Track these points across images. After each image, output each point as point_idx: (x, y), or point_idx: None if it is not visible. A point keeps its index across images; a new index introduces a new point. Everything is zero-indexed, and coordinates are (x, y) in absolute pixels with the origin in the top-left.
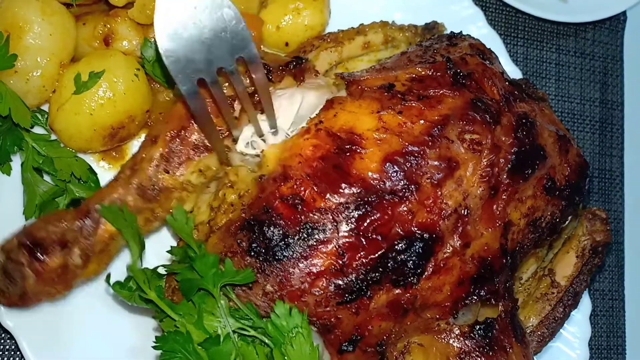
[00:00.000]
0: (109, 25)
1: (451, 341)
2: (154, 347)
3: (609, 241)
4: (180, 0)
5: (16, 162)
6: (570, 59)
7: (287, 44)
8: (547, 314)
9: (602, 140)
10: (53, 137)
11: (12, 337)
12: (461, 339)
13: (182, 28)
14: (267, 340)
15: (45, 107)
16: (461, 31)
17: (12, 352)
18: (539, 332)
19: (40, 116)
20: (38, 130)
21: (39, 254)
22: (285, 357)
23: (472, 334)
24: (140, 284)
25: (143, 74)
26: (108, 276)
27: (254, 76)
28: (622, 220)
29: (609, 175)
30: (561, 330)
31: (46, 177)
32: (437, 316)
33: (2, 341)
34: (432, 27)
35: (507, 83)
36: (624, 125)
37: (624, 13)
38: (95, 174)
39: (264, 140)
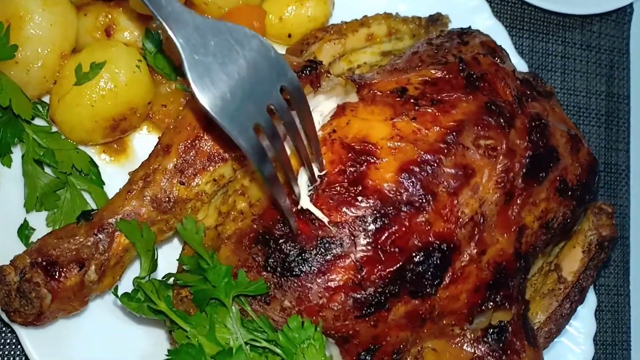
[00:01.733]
0: (110, 16)
1: (465, 346)
2: None
3: (615, 235)
4: (202, 43)
5: (17, 154)
6: (576, 52)
7: (290, 36)
8: (555, 310)
9: (608, 133)
10: (54, 128)
11: (13, 331)
12: (474, 343)
13: (218, 69)
14: (279, 351)
15: (46, 99)
16: (470, 26)
17: (13, 346)
18: (547, 329)
19: (41, 107)
20: (39, 121)
21: (55, 274)
22: None
23: (485, 339)
24: (149, 295)
25: (145, 65)
26: (116, 288)
27: (298, 106)
28: (627, 214)
29: (615, 169)
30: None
31: (47, 169)
32: (453, 322)
33: (4, 335)
34: (436, 19)
35: (518, 82)
36: (630, 119)
37: (630, 5)
38: (96, 166)
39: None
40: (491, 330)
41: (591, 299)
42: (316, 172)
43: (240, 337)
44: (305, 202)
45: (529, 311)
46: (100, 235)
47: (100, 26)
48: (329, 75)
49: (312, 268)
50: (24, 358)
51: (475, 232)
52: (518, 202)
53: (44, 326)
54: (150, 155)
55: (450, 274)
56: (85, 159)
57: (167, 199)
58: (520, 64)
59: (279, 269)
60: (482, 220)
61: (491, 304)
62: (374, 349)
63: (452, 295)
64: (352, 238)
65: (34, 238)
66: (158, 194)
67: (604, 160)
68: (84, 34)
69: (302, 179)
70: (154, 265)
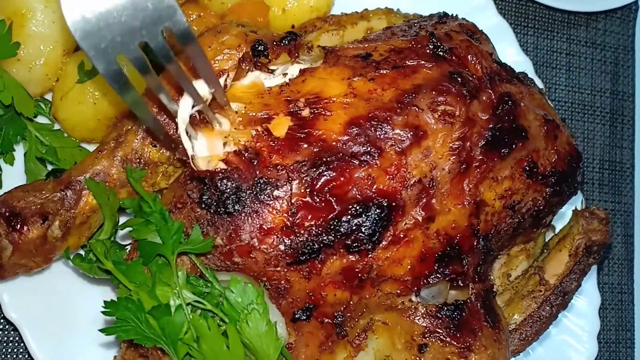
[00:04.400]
0: None
1: (417, 320)
2: (104, 313)
3: (606, 242)
4: None
5: (19, 151)
6: (581, 49)
7: (293, 27)
8: (532, 312)
9: (613, 131)
10: (56, 126)
11: (16, 329)
12: (427, 317)
13: None
14: (222, 316)
15: (48, 96)
16: (457, 14)
17: (16, 344)
18: (522, 330)
19: (43, 105)
20: (41, 119)
21: (17, 225)
22: (241, 335)
23: (438, 314)
24: (97, 254)
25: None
26: (67, 250)
27: (187, 49)
28: (632, 212)
29: (620, 167)
30: (569, 323)
31: (49, 167)
32: (398, 291)
33: (7, 332)
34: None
35: (495, 65)
36: (635, 117)
37: (635, 2)
38: None
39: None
40: (445, 307)
41: (595, 296)
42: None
43: (182, 296)
44: (181, 126)
45: (505, 311)
46: (67, 192)
47: None
48: (310, 50)
49: (246, 207)
50: (27, 355)
51: (423, 196)
52: (475, 173)
53: (44, 319)
54: (125, 117)
55: (391, 233)
56: None
57: (137, 160)
58: (524, 62)
59: (213, 206)
60: (431, 185)
61: (439, 276)
62: (310, 307)
63: (393, 258)
64: (290, 181)
65: None
66: (129, 154)
67: (608, 158)
68: None
69: (186, 102)
70: (114, 231)
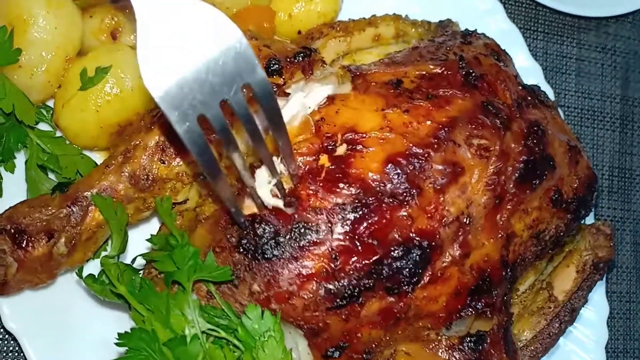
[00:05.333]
0: (116, 19)
1: (440, 352)
2: (117, 344)
3: (611, 258)
4: (165, 20)
5: (20, 159)
6: (591, 54)
7: (299, 32)
8: (542, 329)
9: (623, 138)
10: (58, 133)
11: (15, 339)
12: (449, 350)
13: (171, 56)
14: (237, 343)
15: (50, 103)
16: (476, 29)
17: (17, 354)
18: (532, 347)
19: (45, 112)
20: (43, 126)
21: (23, 242)
22: None
23: (461, 346)
24: (111, 277)
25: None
26: (80, 269)
27: (265, 108)
28: None
29: (629, 174)
30: (577, 333)
31: (51, 175)
32: (429, 326)
33: (6, 343)
34: (445, 25)
35: (520, 87)
36: None
37: None
38: None
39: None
40: (468, 338)
41: (603, 306)
42: (283, 169)
43: (198, 325)
44: (265, 199)
45: (514, 326)
46: (73, 208)
47: (105, 29)
48: (324, 64)
49: (285, 253)
50: None
51: (460, 233)
52: (508, 207)
53: (43, 329)
54: (132, 131)
55: (430, 273)
56: (90, 164)
57: (145, 176)
58: (534, 67)
59: (251, 251)
60: (468, 222)
61: (471, 310)
62: (344, 346)
63: (431, 296)
64: (330, 225)
65: None
66: (137, 170)
67: (618, 165)
68: (89, 36)
69: (262, 175)
70: (123, 247)
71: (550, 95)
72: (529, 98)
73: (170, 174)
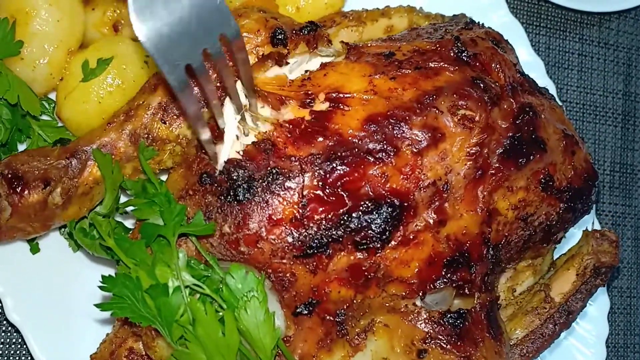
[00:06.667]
0: (118, 11)
1: (418, 324)
2: (101, 288)
3: (615, 264)
4: None
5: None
6: (593, 50)
7: None
8: (535, 329)
9: (625, 133)
10: (60, 125)
11: (18, 331)
12: (429, 323)
13: (161, 4)
14: (220, 302)
15: (52, 96)
16: (483, 23)
17: (19, 346)
18: (523, 346)
19: (47, 104)
20: (45, 118)
21: (18, 188)
22: (238, 322)
23: (441, 321)
24: (101, 232)
25: (153, 61)
26: (72, 222)
27: (237, 55)
28: None
29: (631, 169)
30: (578, 328)
31: None
32: (403, 294)
33: (9, 334)
34: (459, 20)
35: (519, 75)
36: None
37: None
38: None
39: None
40: (449, 314)
41: (604, 301)
42: (244, 101)
43: (181, 278)
44: (230, 131)
45: (507, 325)
46: (72, 160)
47: (107, 21)
48: (330, 43)
49: (257, 196)
50: (29, 358)
51: (436, 199)
52: (490, 181)
53: (46, 321)
54: (137, 92)
55: (401, 234)
56: None
57: (146, 135)
58: (536, 62)
59: (223, 193)
60: (445, 188)
61: (445, 281)
62: (313, 302)
63: (402, 259)
64: (302, 173)
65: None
66: (138, 129)
67: (619, 161)
68: (91, 29)
69: (229, 109)
70: (114, 205)
71: (552, 90)
72: (527, 85)
73: (170, 135)
